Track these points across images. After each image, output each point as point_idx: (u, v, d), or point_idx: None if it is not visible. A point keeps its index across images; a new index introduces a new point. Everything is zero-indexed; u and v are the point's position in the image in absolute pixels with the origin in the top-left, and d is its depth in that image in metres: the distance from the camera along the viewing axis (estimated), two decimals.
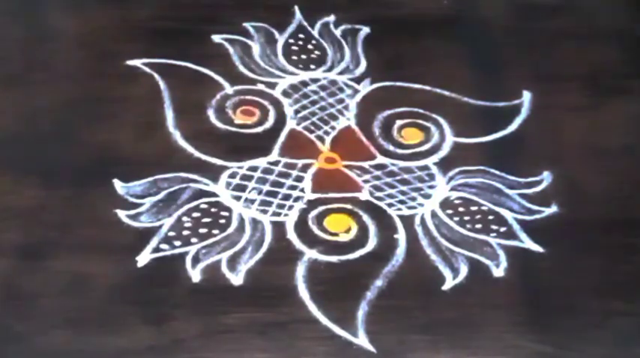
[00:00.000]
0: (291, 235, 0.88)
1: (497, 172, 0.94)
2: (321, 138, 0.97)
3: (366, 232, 0.88)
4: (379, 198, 0.91)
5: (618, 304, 0.84)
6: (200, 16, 1.09)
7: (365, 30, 1.09)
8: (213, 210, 0.89)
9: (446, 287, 0.84)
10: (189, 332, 0.80)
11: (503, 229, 0.89)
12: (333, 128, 0.98)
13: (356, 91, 1.02)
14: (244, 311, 0.82)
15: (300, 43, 1.08)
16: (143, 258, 0.85)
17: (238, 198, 0.90)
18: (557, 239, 0.88)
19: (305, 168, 0.94)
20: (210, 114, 0.99)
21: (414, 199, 0.91)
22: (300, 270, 0.85)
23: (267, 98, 1.01)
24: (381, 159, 0.95)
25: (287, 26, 1.09)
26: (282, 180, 0.92)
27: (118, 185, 0.91)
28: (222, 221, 0.88)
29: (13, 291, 0.82)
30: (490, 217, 0.90)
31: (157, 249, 0.86)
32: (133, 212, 0.88)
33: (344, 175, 0.94)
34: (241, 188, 0.91)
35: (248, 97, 1.01)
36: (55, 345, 0.79)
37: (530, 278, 0.86)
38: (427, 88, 1.03)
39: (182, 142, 0.95)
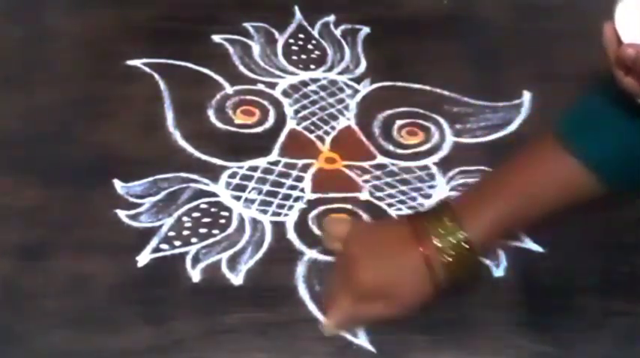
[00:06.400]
0: (291, 235, 0.88)
1: None
2: (321, 138, 0.97)
3: None
4: (379, 198, 0.91)
5: (618, 304, 0.84)
6: (200, 16, 1.09)
7: (365, 30, 1.09)
8: (213, 210, 0.89)
9: None
10: (189, 332, 0.80)
11: None
12: (333, 128, 0.98)
13: (356, 91, 1.02)
14: (244, 311, 0.82)
15: (300, 43, 1.08)
16: (143, 258, 0.85)
17: (238, 198, 0.90)
18: (557, 239, 0.88)
19: (305, 168, 0.94)
20: (210, 114, 0.99)
21: (414, 199, 0.91)
22: (300, 270, 0.85)
23: (267, 98, 1.01)
24: (381, 159, 0.95)
25: (287, 26, 1.10)
26: (282, 180, 0.92)
27: (118, 185, 0.90)
28: (222, 221, 0.88)
29: (13, 291, 0.82)
30: None
31: (156, 249, 0.86)
32: (133, 212, 0.88)
33: (344, 175, 0.93)
34: (241, 188, 0.91)
35: (248, 97, 1.01)
36: (55, 345, 0.79)
37: (530, 278, 0.86)
38: (427, 87, 1.03)
39: (182, 142, 0.95)
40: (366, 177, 0.93)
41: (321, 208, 0.90)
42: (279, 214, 0.89)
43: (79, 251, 0.85)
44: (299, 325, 0.81)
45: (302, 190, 0.92)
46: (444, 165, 0.95)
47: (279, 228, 0.88)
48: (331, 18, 1.11)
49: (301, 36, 1.09)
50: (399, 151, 0.96)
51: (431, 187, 0.93)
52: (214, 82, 1.02)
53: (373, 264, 0.77)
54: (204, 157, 0.94)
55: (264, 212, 0.89)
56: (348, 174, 0.94)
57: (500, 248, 0.87)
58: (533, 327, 0.82)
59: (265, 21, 1.09)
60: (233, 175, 0.92)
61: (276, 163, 0.94)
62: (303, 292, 0.83)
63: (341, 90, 1.02)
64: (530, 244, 0.88)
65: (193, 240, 0.87)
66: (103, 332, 0.80)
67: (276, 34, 1.08)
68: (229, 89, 1.01)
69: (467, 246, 0.76)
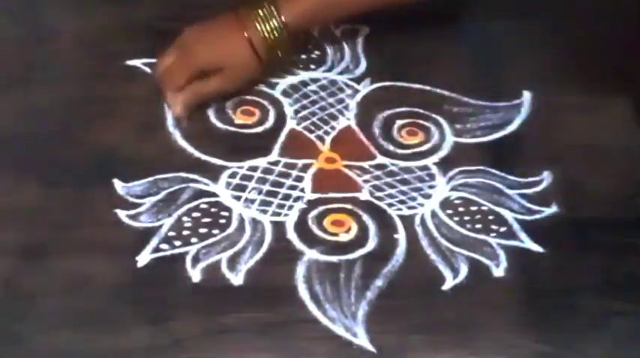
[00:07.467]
0: (291, 235, 0.88)
1: (497, 172, 0.94)
2: (321, 138, 0.97)
3: (366, 232, 0.88)
4: (379, 198, 0.91)
5: (618, 304, 0.84)
6: (200, 16, 1.09)
7: (365, 30, 1.09)
8: (213, 210, 0.89)
9: (446, 287, 0.84)
10: (189, 332, 0.80)
11: (503, 229, 0.89)
12: (333, 128, 0.98)
13: (356, 91, 1.02)
14: (244, 311, 0.82)
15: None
16: (143, 258, 0.85)
17: (238, 198, 0.90)
18: (557, 239, 0.88)
19: (305, 168, 0.94)
20: (210, 114, 0.99)
21: (414, 199, 0.91)
22: (300, 270, 0.85)
23: (267, 98, 1.01)
24: (381, 159, 0.95)
25: None
26: (282, 180, 0.92)
27: (118, 185, 0.91)
28: (222, 221, 0.88)
29: (13, 291, 0.82)
30: (490, 217, 0.90)
31: (156, 249, 0.86)
32: (133, 212, 0.88)
33: (344, 175, 0.93)
34: (241, 188, 0.91)
35: (248, 97, 1.01)
36: (55, 345, 0.79)
37: (530, 278, 0.86)
38: (427, 87, 1.03)
39: (182, 142, 0.95)
40: (366, 177, 0.93)
41: (321, 208, 0.90)
42: (279, 214, 0.89)
43: (79, 251, 0.85)
44: (299, 325, 0.81)
45: (302, 190, 0.92)
46: (444, 165, 0.95)
47: (279, 228, 0.88)
48: None
49: (301, 36, 1.08)
50: (399, 151, 0.96)
51: (431, 187, 0.93)
52: None
53: (206, 47, 0.95)
54: (204, 157, 0.94)
55: (264, 212, 0.89)
56: (348, 174, 0.94)
57: None
58: (533, 327, 0.82)
59: None
60: (233, 175, 0.92)
61: (276, 163, 0.94)
62: (303, 292, 0.83)
63: (341, 90, 1.02)
64: (530, 244, 0.88)
65: (193, 240, 0.87)
66: (103, 332, 0.80)
67: None
68: None
69: (284, 29, 0.94)
